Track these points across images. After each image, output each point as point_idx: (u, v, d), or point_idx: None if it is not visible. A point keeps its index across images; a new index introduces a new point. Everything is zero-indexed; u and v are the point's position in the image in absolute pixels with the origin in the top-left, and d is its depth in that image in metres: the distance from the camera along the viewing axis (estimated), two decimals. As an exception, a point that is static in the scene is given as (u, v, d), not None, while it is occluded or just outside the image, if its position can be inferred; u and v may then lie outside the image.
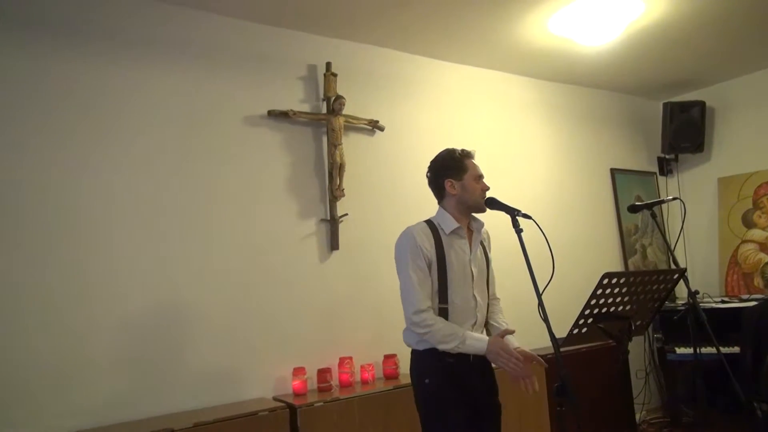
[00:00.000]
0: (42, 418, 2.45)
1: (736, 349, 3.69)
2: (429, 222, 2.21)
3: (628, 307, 2.12)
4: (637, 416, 4.30)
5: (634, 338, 4.25)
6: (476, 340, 2.06)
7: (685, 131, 4.82)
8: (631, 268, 4.75)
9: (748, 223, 4.66)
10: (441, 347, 2.06)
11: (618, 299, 2.07)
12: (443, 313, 2.12)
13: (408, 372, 2.25)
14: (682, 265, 4.88)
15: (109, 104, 2.77)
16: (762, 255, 4.53)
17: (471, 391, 2.12)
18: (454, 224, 2.17)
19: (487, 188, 2.22)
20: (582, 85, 4.75)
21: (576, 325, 2.04)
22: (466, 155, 2.23)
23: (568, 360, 3.50)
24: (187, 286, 2.86)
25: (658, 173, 5.20)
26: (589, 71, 4.42)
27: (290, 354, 3.08)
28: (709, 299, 4.28)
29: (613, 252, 4.75)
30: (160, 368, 2.74)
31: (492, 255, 2.37)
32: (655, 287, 2.17)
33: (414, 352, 2.20)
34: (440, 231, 2.17)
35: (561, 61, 4.14)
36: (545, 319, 1.85)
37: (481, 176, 2.21)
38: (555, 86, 4.60)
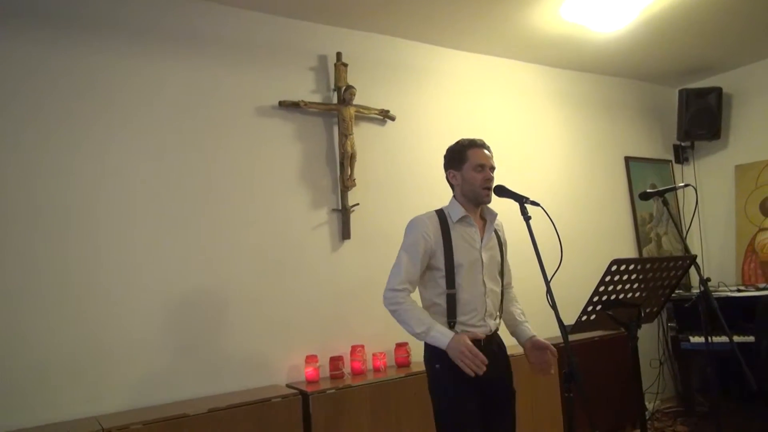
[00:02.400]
0: (63, 403, 2.52)
1: (752, 338, 3.64)
2: (439, 211, 2.25)
3: (637, 294, 2.11)
4: (651, 406, 4.29)
5: (648, 327, 4.29)
6: (441, 334, 2.04)
7: (701, 118, 4.75)
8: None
9: (766, 211, 4.59)
10: (407, 330, 2.09)
11: (627, 286, 2.07)
12: (451, 298, 2.13)
13: (419, 360, 2.28)
14: (697, 253, 4.86)
15: (121, 97, 2.82)
16: (780, 243, 4.47)
17: (483, 377, 2.12)
18: (462, 213, 2.20)
19: (490, 178, 2.20)
20: (595, 72, 4.70)
21: (584, 311, 2.05)
22: (471, 145, 2.23)
23: (581, 348, 3.55)
24: (202, 276, 2.91)
25: (673, 161, 5.14)
26: (603, 58, 4.37)
27: (303, 342, 3.11)
28: (725, 288, 4.24)
29: (628, 241, 4.71)
30: (176, 356, 2.80)
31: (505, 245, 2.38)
32: (665, 274, 2.16)
33: None
34: (448, 219, 2.20)
35: (574, 48, 4.10)
36: (553, 306, 1.86)
37: (482, 165, 2.19)
38: (568, 74, 4.56)
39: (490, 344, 2.19)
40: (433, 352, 2.17)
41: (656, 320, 4.43)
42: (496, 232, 2.30)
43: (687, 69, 4.77)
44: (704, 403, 4.19)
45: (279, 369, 3.04)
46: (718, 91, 4.74)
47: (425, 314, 2.10)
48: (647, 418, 4.15)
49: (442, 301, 2.15)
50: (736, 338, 3.63)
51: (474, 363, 1.95)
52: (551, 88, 4.45)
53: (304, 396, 2.76)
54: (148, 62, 2.90)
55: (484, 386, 2.12)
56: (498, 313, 2.26)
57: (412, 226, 2.20)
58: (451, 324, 2.13)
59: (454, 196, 2.27)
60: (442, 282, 2.16)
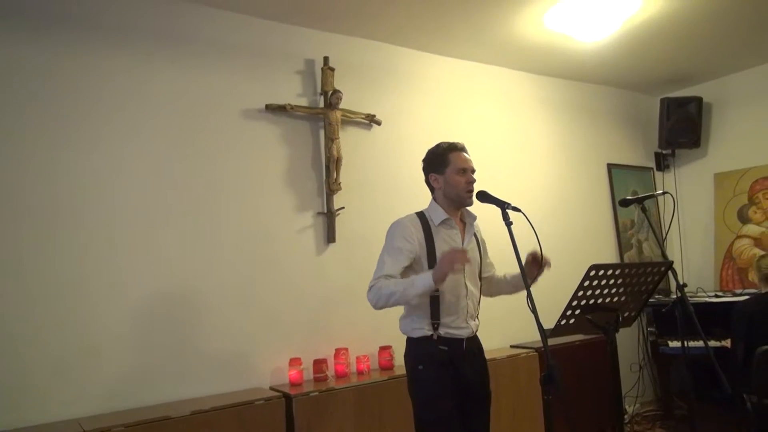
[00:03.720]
0: (44, 404, 2.50)
1: (728, 343, 3.72)
2: (420, 213, 2.27)
3: (615, 299, 2.15)
4: (631, 409, 4.35)
5: (629, 332, 4.35)
6: (422, 278, 2.03)
7: (681, 127, 4.83)
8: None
9: (744, 218, 4.69)
10: (395, 300, 2.05)
11: (605, 291, 2.10)
12: (434, 300, 2.16)
13: (403, 364, 2.29)
14: (676, 259, 4.95)
15: (109, 97, 2.81)
16: (756, 250, 4.55)
17: (463, 378, 2.16)
18: (443, 215, 2.22)
19: (473, 181, 2.23)
20: (579, 80, 4.76)
21: (563, 316, 2.08)
22: (451, 148, 2.25)
23: (562, 352, 3.59)
24: (184, 278, 2.90)
25: (654, 168, 5.22)
26: (586, 66, 4.43)
27: (287, 345, 3.11)
28: (704, 293, 4.31)
29: (609, 247, 4.77)
30: (158, 358, 2.79)
31: (485, 247, 2.42)
32: (642, 280, 2.20)
33: (409, 340, 2.25)
34: (430, 222, 2.22)
35: (557, 56, 4.15)
36: (533, 310, 1.87)
37: (465, 169, 2.21)
38: (552, 81, 4.61)
39: (471, 346, 2.22)
40: (415, 353, 2.20)
41: (636, 325, 4.51)
42: (475, 235, 2.33)
43: (668, 78, 4.85)
44: (682, 406, 4.25)
45: (262, 371, 3.04)
46: (698, 101, 4.83)
47: (399, 279, 2.09)
48: (626, 421, 4.21)
49: (426, 304, 2.17)
50: (713, 343, 3.72)
51: (457, 259, 1.98)
52: (535, 94, 4.49)
53: (288, 398, 2.76)
54: (134, 64, 2.89)
55: (463, 387, 2.16)
56: (477, 314, 2.29)
57: (395, 228, 2.22)
58: (435, 325, 2.16)
59: (434, 198, 2.29)
60: None
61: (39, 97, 2.64)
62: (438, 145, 2.29)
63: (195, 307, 2.92)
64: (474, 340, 2.26)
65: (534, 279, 2.19)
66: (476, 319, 2.28)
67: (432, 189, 2.31)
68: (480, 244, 2.35)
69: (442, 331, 2.16)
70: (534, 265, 2.21)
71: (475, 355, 2.24)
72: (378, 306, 2.10)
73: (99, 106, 2.78)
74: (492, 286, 2.44)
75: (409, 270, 2.18)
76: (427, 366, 2.15)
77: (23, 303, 2.52)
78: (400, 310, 2.30)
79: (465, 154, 2.26)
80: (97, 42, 2.80)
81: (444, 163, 2.23)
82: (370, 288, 2.12)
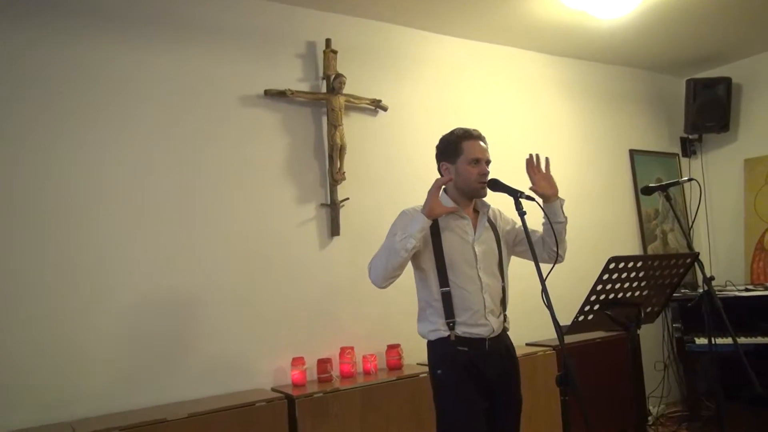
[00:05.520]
0: (39, 406, 2.47)
1: (760, 340, 3.56)
2: None
3: (637, 293, 2.06)
4: (656, 410, 4.23)
5: (653, 328, 4.18)
6: (416, 221, 2.01)
7: (709, 109, 4.65)
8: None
9: (776, 206, 4.49)
10: (391, 259, 2.00)
11: (626, 285, 2.01)
12: (447, 296, 2.07)
13: (411, 363, 2.33)
14: (703, 250, 4.77)
15: (103, 85, 2.77)
16: (790, 240, 4.36)
17: (487, 381, 2.06)
18: (451, 205, 2.13)
19: (486, 172, 2.13)
20: (599, 61, 4.62)
21: (581, 311, 1.99)
22: (466, 136, 2.15)
23: (581, 350, 3.46)
24: (183, 274, 2.86)
25: (680, 154, 5.06)
26: (607, 46, 4.29)
27: (289, 344, 3.06)
28: (733, 287, 4.14)
29: (632, 238, 4.64)
30: (157, 358, 2.76)
31: (514, 226, 2.32)
32: (666, 272, 2.10)
33: (428, 344, 2.17)
34: None
35: (576, 35, 4.02)
36: (548, 306, 1.78)
37: (478, 159, 2.11)
38: (570, 62, 4.48)
39: (497, 346, 2.10)
40: (434, 356, 2.13)
41: (661, 321, 4.39)
42: (492, 224, 2.22)
43: (695, 58, 4.67)
44: (710, 407, 4.10)
45: (264, 372, 2.99)
46: (727, 82, 4.65)
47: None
48: (650, 423, 4.09)
49: (438, 302, 2.09)
50: (743, 340, 3.56)
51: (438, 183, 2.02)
52: (553, 77, 4.37)
53: (290, 400, 2.71)
54: (127, 49, 2.84)
55: (486, 390, 2.06)
56: (501, 310, 2.17)
57: (399, 219, 2.16)
58: (451, 325, 2.06)
59: (444, 188, 2.18)
60: (435, 281, 2.10)
61: (26, 91, 2.60)
62: (452, 132, 2.20)
63: (192, 305, 2.86)
64: (500, 340, 2.13)
65: (551, 187, 2.24)
66: (500, 316, 2.15)
67: None
68: (499, 233, 2.22)
69: (459, 331, 2.05)
70: (532, 170, 2.23)
71: (501, 356, 2.11)
72: (381, 277, 2.06)
73: (92, 95, 2.73)
74: (543, 250, 2.27)
75: (418, 269, 2.13)
76: (446, 370, 2.07)
77: (16, 304, 2.49)
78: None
79: (481, 142, 2.16)
80: (90, 27, 2.77)
81: (456, 152, 2.14)
82: (369, 269, 2.11)
